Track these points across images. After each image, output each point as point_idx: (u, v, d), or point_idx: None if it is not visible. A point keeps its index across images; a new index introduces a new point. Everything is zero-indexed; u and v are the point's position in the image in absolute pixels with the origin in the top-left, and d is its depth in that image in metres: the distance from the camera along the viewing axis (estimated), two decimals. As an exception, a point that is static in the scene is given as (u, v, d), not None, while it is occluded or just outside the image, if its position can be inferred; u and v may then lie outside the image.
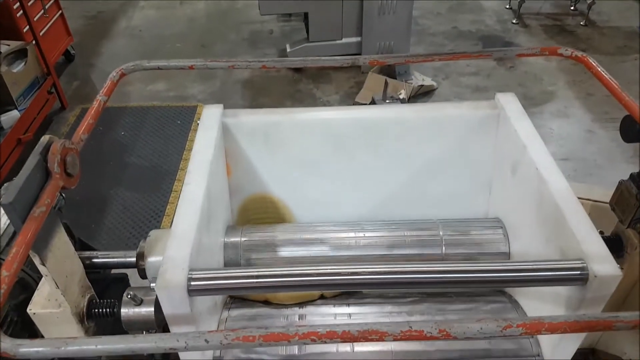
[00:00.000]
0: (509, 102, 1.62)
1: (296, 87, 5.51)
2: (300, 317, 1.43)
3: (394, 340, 0.93)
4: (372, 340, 0.92)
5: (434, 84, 5.51)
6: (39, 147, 1.21)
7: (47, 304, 1.33)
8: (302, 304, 1.48)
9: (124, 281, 1.67)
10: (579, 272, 1.15)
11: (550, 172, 1.38)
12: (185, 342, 0.91)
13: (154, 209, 4.24)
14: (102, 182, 4.41)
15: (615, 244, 1.45)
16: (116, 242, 3.92)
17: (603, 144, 4.63)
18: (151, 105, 5.30)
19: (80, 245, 1.71)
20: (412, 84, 5.18)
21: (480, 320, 0.94)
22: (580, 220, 1.25)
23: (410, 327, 0.93)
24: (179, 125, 4.95)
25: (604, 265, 1.15)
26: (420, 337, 0.93)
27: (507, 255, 1.60)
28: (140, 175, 4.55)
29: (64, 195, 1.59)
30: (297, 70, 5.68)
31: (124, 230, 4.06)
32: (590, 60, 1.55)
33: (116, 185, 4.42)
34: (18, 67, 4.47)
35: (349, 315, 1.44)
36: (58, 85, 5.19)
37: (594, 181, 4.27)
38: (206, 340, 0.91)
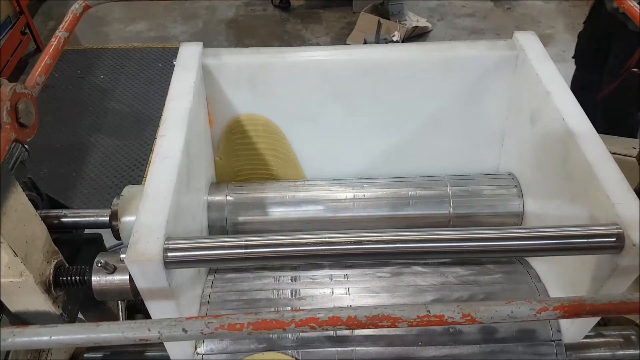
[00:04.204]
0: (529, 42, 1.43)
1: (284, 27, 5.25)
2: (293, 292, 1.28)
3: (409, 326, 0.78)
4: (382, 326, 0.78)
5: (429, 25, 5.28)
6: (-17, 93, 1.03)
7: (7, 273, 1.17)
8: (295, 273, 1.33)
9: (97, 242, 1.52)
10: (614, 240, 1.00)
11: (579, 123, 1.21)
12: (159, 332, 0.76)
13: (137, 157, 4.09)
14: (81, 129, 4.24)
15: (638, 202, 1.30)
16: (98, 192, 3.80)
17: (602, 89, 4.47)
18: (131, 47, 5.06)
19: (49, 202, 1.54)
20: (406, 25, 4.95)
21: (510, 303, 0.79)
22: (614, 180, 1.09)
23: (428, 311, 0.78)
24: (160, 68, 4.75)
25: (644, 231, 1.00)
26: (439, 322, 0.78)
27: (520, 215, 1.45)
28: (121, 121, 4.39)
29: (26, 147, 1.42)
30: (285, 9, 5.41)
31: (105, 179, 3.93)
32: (620, -6, 1.37)
33: (96, 132, 4.26)
34: (-14, 6, 4.19)
35: (347, 289, 1.30)
36: (32, 25, 4.92)
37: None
38: (184, 330, 0.76)
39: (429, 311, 0.78)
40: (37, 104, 1.13)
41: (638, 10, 1.33)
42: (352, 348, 1.21)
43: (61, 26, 1.28)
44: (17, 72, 4.65)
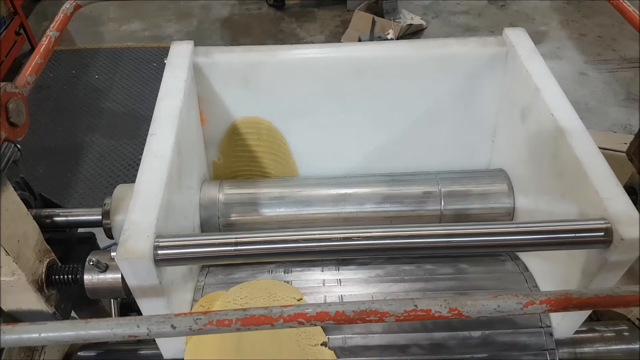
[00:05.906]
0: (519, 39, 1.43)
1: (278, 26, 5.25)
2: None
3: (397, 321, 0.79)
4: (370, 321, 0.78)
5: (423, 23, 5.28)
6: (-27, 93, 1.03)
7: (-1, 271, 1.17)
8: (287, 268, 1.34)
9: (90, 241, 1.52)
10: (602, 234, 1.01)
11: (568, 119, 1.21)
12: (148, 329, 0.76)
13: (132, 157, 4.09)
14: (76, 129, 4.23)
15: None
16: (93, 192, 3.80)
17: (595, 86, 4.49)
18: (126, 47, 5.05)
19: (42, 201, 1.54)
20: (400, 23, 4.95)
21: (497, 297, 0.80)
22: (603, 175, 1.09)
23: (416, 305, 0.79)
24: (155, 67, 4.75)
25: (631, 227, 1.00)
26: (427, 317, 0.79)
27: (511, 210, 1.46)
28: (116, 121, 4.39)
29: (19, 147, 1.42)
30: (279, 8, 5.40)
31: (100, 179, 3.92)
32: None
33: (91, 132, 4.25)
34: (-20, 6, 4.18)
35: (339, 281, 1.30)
36: (26, 25, 4.90)
37: (585, 125, 4.17)
38: (173, 326, 0.76)
39: (416, 306, 0.79)
40: (30, 104, 1.13)
41: (636, 14, 1.33)
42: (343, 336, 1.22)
43: (52, 25, 1.28)
44: (10, 73, 4.64)
